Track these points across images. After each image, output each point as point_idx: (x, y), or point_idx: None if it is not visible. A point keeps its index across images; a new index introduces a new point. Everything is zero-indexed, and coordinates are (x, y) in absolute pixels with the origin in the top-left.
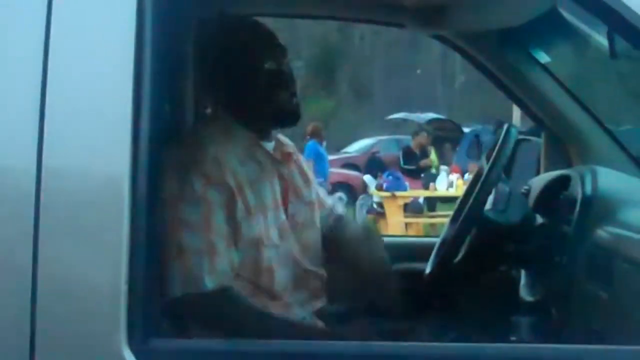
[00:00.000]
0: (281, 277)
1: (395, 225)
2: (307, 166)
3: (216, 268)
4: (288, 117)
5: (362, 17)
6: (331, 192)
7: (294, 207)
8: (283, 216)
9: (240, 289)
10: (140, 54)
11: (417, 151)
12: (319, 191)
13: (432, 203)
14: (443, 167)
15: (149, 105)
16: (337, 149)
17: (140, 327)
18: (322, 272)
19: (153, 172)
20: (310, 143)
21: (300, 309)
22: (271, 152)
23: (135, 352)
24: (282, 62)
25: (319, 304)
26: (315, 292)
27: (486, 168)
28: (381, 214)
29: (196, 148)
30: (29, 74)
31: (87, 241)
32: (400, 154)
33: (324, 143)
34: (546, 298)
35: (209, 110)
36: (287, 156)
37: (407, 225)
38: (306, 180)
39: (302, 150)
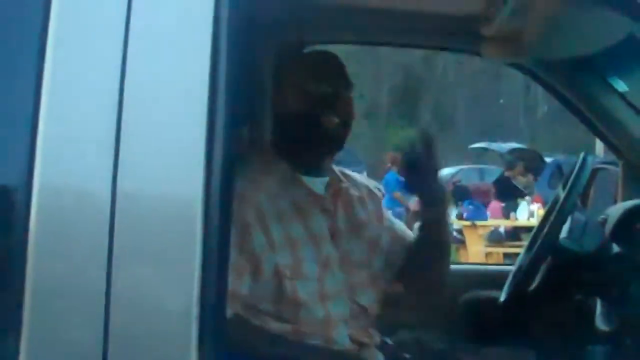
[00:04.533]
0: (316, 310)
1: (476, 254)
2: (376, 203)
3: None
4: (328, 144)
5: (440, 44)
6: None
7: (351, 243)
8: (330, 251)
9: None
10: (214, 80)
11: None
12: (396, 226)
13: (514, 233)
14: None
15: (223, 130)
16: None
17: (212, 349)
18: (375, 308)
19: (225, 196)
20: (390, 173)
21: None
22: (312, 187)
23: None
24: (336, 92)
25: (371, 339)
26: (366, 328)
27: (562, 196)
28: (461, 242)
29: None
30: (105, 99)
31: (159, 264)
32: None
33: None
34: (621, 328)
35: (253, 140)
36: (340, 191)
37: (487, 254)
38: (372, 219)
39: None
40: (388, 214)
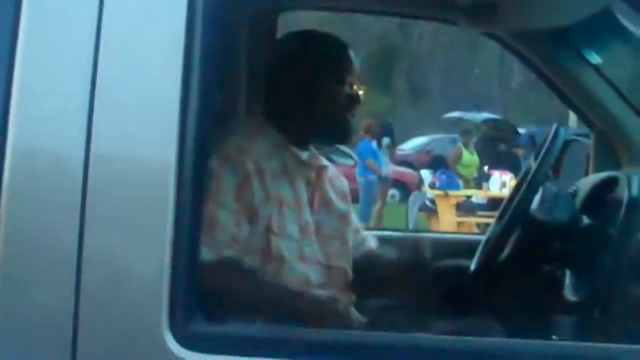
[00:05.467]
0: (295, 269)
1: (447, 224)
2: (343, 184)
3: (215, 240)
4: (337, 136)
5: (415, 13)
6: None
7: (323, 216)
8: (308, 218)
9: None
10: (190, 43)
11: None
12: (354, 219)
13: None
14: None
15: (197, 94)
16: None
17: (182, 312)
18: (348, 269)
19: (198, 160)
20: (363, 141)
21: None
22: (300, 156)
23: (176, 335)
24: (346, 82)
25: (347, 299)
26: (341, 289)
27: (533, 167)
28: (433, 212)
29: (225, 136)
30: (78, 62)
31: (132, 228)
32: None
33: (381, 140)
34: (589, 298)
35: (244, 106)
36: (320, 169)
37: (458, 224)
38: (342, 197)
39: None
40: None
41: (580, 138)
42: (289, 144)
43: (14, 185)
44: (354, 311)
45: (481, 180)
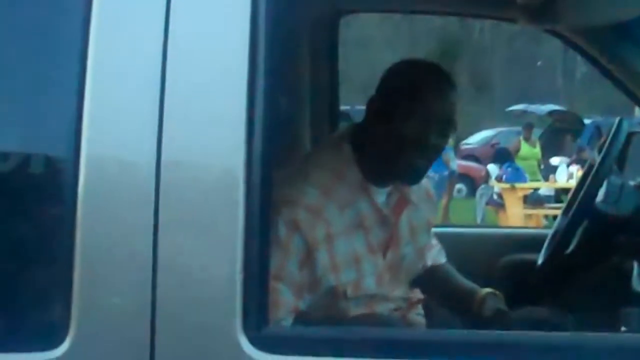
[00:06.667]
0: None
1: (515, 217)
2: (431, 206)
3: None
4: (408, 177)
5: (475, 12)
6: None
7: (403, 250)
8: (381, 262)
9: None
10: (254, 53)
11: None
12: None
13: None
14: (563, 159)
15: (264, 102)
16: (458, 140)
17: (255, 314)
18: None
19: (266, 167)
20: None
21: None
22: (377, 202)
23: (250, 338)
24: (443, 125)
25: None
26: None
27: (598, 160)
28: (501, 205)
29: (303, 175)
30: (149, 70)
31: (204, 232)
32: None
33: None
34: None
35: (335, 134)
36: (400, 205)
37: (526, 216)
38: (423, 225)
39: None
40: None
41: None
42: (368, 183)
43: (89, 193)
44: (419, 315)
45: (548, 172)
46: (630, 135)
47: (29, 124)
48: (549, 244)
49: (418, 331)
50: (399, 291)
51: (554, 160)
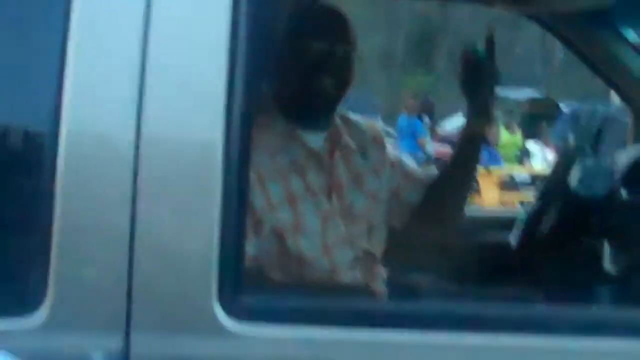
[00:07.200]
0: (320, 263)
1: (490, 201)
2: (380, 149)
3: None
4: (324, 101)
5: None
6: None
7: (349, 196)
8: (327, 205)
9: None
10: (235, 27)
11: None
12: (407, 167)
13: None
14: (539, 144)
15: (242, 77)
16: (434, 124)
17: (231, 285)
18: (379, 251)
19: (244, 142)
20: (404, 117)
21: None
22: (311, 146)
23: (225, 307)
24: (337, 47)
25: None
26: (372, 269)
27: (572, 144)
28: (476, 190)
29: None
30: (130, 46)
31: (181, 204)
32: None
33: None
34: (628, 271)
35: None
36: (333, 149)
37: (501, 201)
38: (374, 168)
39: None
40: (396, 155)
41: (620, 114)
42: (298, 130)
43: (68, 167)
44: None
45: (523, 157)
46: (605, 119)
47: (9, 98)
48: (524, 225)
49: (392, 302)
50: (359, 240)
51: (530, 146)
